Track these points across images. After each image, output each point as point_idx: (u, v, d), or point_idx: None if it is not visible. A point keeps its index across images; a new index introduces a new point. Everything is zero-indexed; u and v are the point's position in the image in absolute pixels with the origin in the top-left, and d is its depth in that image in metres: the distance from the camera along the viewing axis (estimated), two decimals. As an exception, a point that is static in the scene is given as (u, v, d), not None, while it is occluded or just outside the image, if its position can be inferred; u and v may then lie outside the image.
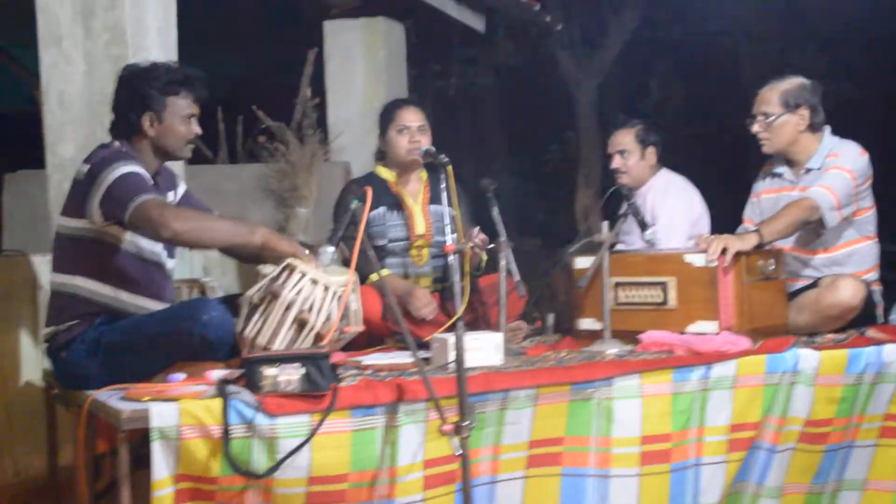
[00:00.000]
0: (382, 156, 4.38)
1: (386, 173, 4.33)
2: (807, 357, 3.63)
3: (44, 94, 4.48)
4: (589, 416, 3.35)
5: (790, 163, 4.23)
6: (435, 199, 4.28)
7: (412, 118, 4.25)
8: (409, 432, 3.08)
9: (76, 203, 3.35)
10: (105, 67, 4.32)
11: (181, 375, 3.19)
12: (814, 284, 4.07)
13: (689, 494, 3.50)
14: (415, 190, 4.32)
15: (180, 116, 3.46)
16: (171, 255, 3.55)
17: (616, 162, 4.76)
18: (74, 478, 3.17)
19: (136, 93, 3.45)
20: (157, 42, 4.52)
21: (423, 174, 4.36)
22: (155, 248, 3.46)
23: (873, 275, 4.16)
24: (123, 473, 2.83)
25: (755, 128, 4.17)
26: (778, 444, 3.59)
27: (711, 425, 3.51)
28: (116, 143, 3.44)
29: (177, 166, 4.91)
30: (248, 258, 3.49)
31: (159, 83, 3.44)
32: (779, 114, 4.11)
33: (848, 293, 3.92)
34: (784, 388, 3.58)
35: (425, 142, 4.21)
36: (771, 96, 4.13)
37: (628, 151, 4.75)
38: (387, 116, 4.32)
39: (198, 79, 3.50)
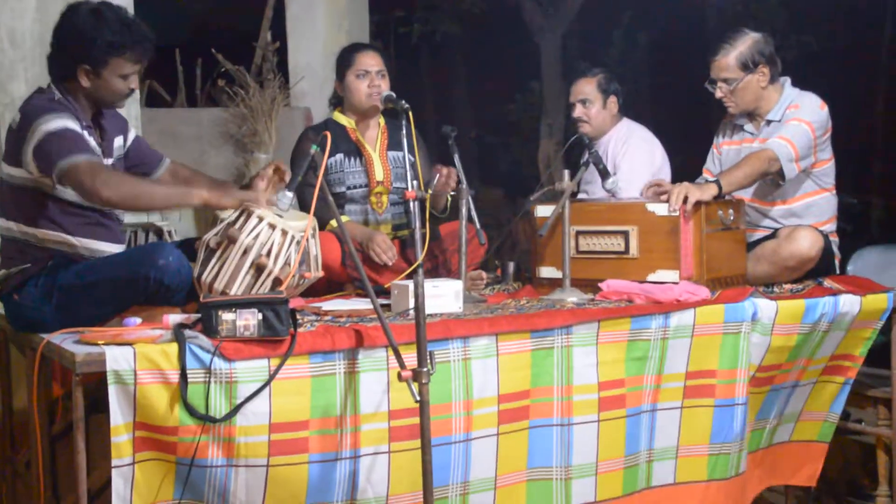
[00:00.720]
0: (339, 101, 4.30)
1: (343, 119, 4.26)
2: (764, 307, 3.67)
3: (-6, 32, 4.38)
4: (551, 366, 3.36)
5: (751, 115, 4.24)
6: (393, 145, 4.23)
7: (371, 62, 4.18)
8: (370, 379, 3.07)
9: (13, 152, 3.28)
10: (57, 4, 4.19)
11: (137, 319, 3.16)
12: (772, 235, 4.10)
13: (644, 439, 3.54)
14: (373, 136, 4.26)
15: (119, 75, 3.33)
16: None
17: (578, 111, 4.73)
18: (29, 422, 3.14)
19: (78, 42, 3.29)
20: (113, -20, 4.41)
21: (381, 120, 4.30)
22: None
23: (831, 226, 4.20)
24: (78, 417, 2.80)
25: (718, 94, 4.17)
26: (737, 398, 3.63)
27: (669, 373, 3.54)
28: (52, 93, 3.31)
29: (133, 109, 4.84)
30: None
31: (103, 40, 3.27)
32: (740, 78, 4.11)
33: (806, 244, 3.95)
34: (742, 337, 3.62)
35: (385, 86, 4.15)
36: (728, 61, 4.11)
37: (590, 100, 4.72)
38: (345, 60, 4.23)
39: (145, 40, 3.34)
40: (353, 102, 4.21)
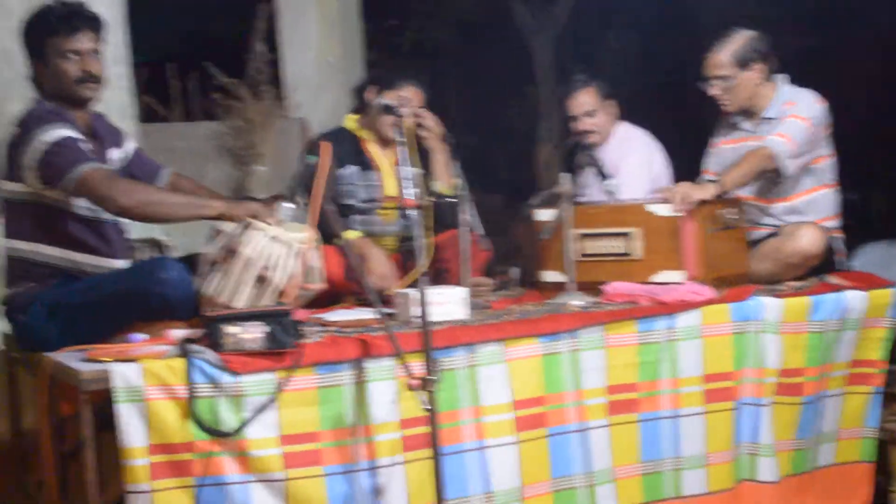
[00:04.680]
0: (363, 109, 4.20)
1: (355, 129, 4.22)
2: (770, 305, 3.66)
3: (-13, 52, 4.37)
4: (562, 371, 3.35)
5: (748, 113, 4.24)
6: (405, 160, 4.20)
7: (412, 97, 4.09)
8: (378, 389, 3.06)
9: (12, 168, 3.27)
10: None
11: (142, 336, 3.15)
12: (775, 233, 4.10)
13: (669, 445, 3.51)
14: (385, 151, 4.23)
15: (61, 55, 3.30)
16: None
17: (585, 124, 4.60)
18: (39, 441, 3.13)
19: (26, 42, 3.36)
20: (103, -4, 4.40)
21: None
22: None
23: (834, 222, 4.19)
24: (88, 435, 2.80)
25: (713, 91, 4.15)
26: (762, 397, 3.63)
27: (686, 376, 3.53)
28: (43, 104, 3.32)
29: (129, 125, 4.83)
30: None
31: (39, 26, 3.32)
32: (735, 75, 4.10)
33: (808, 241, 3.95)
34: (754, 337, 3.62)
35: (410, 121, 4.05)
36: (722, 59, 4.11)
37: (593, 110, 4.65)
38: (390, 83, 4.13)
39: (75, 13, 3.33)
40: (378, 129, 4.13)
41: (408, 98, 4.10)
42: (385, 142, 4.18)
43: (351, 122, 4.24)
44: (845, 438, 3.89)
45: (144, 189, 3.29)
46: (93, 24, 3.36)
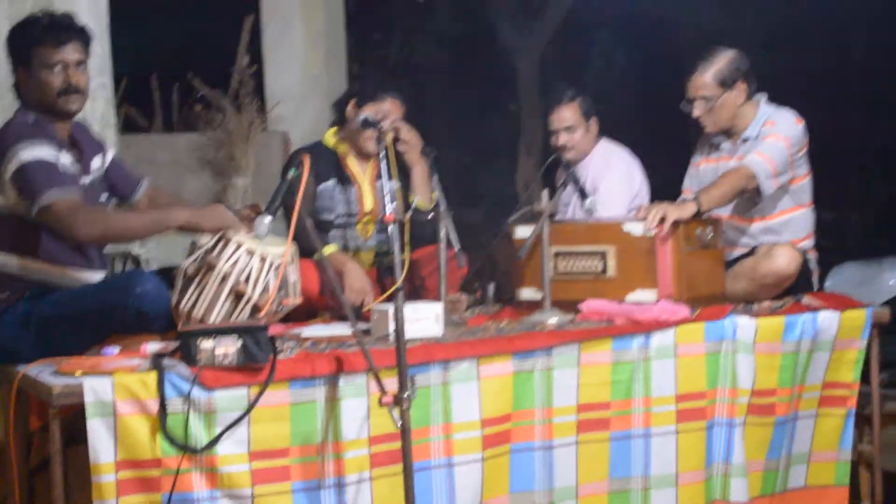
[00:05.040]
0: (342, 122, 4.20)
1: (334, 143, 4.22)
2: (744, 325, 3.67)
3: (-32, 60, 4.34)
4: (532, 389, 3.35)
5: (728, 132, 4.25)
6: (384, 174, 4.19)
7: (392, 109, 4.09)
8: (351, 406, 3.06)
9: None
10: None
11: (115, 349, 3.13)
12: (750, 253, 4.11)
13: (637, 464, 3.51)
14: (363, 164, 4.24)
15: (45, 65, 3.28)
16: None
17: (563, 138, 4.65)
18: (6, 455, 3.10)
19: (10, 50, 3.34)
20: (87, 7, 4.42)
21: None
22: None
23: (809, 242, 4.21)
24: (56, 450, 2.77)
25: (696, 112, 4.15)
26: (735, 418, 3.63)
27: (658, 395, 3.53)
28: (26, 115, 3.30)
29: (109, 135, 4.82)
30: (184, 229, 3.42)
31: (25, 34, 3.30)
32: (718, 95, 4.11)
33: (784, 261, 3.96)
34: (728, 356, 3.63)
35: (389, 138, 4.01)
36: (705, 79, 4.11)
37: (574, 126, 4.68)
38: (369, 95, 4.11)
39: (61, 26, 3.31)
40: (358, 143, 4.14)
41: (387, 110, 4.10)
42: (364, 156, 4.18)
43: (330, 136, 4.24)
44: (818, 461, 3.88)
45: (104, 218, 3.26)
46: (80, 36, 3.35)
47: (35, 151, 3.18)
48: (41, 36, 3.28)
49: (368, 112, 4.03)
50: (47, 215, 3.13)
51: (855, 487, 4.18)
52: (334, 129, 4.24)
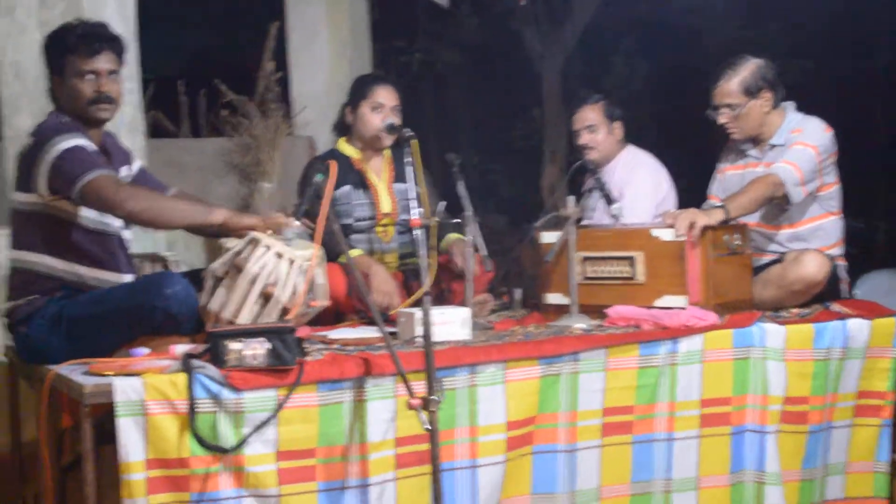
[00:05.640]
0: (345, 129, 4.29)
1: (349, 149, 4.25)
2: (773, 332, 3.65)
3: (-1, 65, 4.40)
4: (558, 392, 3.35)
5: (755, 140, 4.24)
6: (399, 176, 4.22)
7: (388, 97, 4.15)
8: (377, 407, 3.06)
9: (24, 178, 3.28)
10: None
11: (144, 350, 3.15)
12: (779, 260, 4.09)
13: (661, 468, 3.51)
14: (379, 167, 4.26)
15: (78, 74, 3.31)
16: (126, 227, 3.46)
17: (584, 138, 4.70)
18: (38, 453, 3.12)
19: (46, 57, 3.37)
20: (116, 12, 4.46)
21: (387, 152, 4.30)
22: (109, 220, 3.36)
23: (838, 250, 4.19)
24: (87, 448, 2.79)
25: (721, 119, 4.16)
26: (766, 425, 3.62)
27: (683, 400, 3.53)
28: (61, 115, 3.34)
29: (137, 140, 4.86)
30: (211, 234, 3.45)
31: (59, 42, 3.33)
32: (743, 103, 4.11)
33: (813, 268, 3.94)
34: (757, 363, 3.61)
35: (398, 123, 4.13)
36: (731, 87, 4.11)
37: (596, 126, 4.70)
38: (361, 91, 4.20)
39: (94, 35, 3.33)
40: (363, 133, 4.19)
41: (382, 103, 4.13)
42: (377, 150, 4.19)
43: (342, 143, 4.26)
44: (855, 472, 3.84)
45: (151, 194, 3.30)
46: (114, 45, 3.37)
47: (72, 141, 3.22)
48: (75, 45, 3.31)
49: (366, 108, 4.10)
50: (90, 192, 3.14)
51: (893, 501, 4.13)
52: (344, 137, 4.27)
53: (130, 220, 3.25)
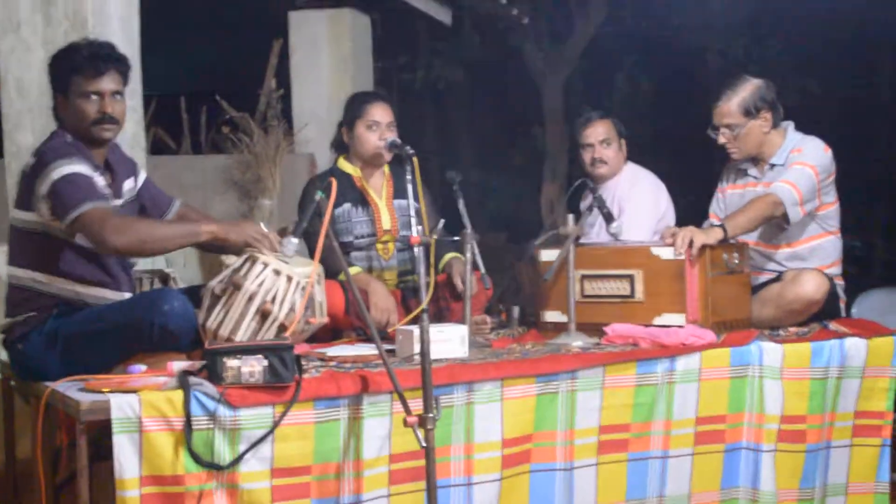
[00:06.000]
0: (343, 148, 4.30)
1: (349, 167, 4.26)
2: (770, 350, 3.65)
3: (2, 82, 4.41)
4: (556, 410, 3.35)
5: (754, 159, 4.25)
6: (399, 193, 4.22)
7: (382, 114, 4.17)
8: (373, 425, 3.06)
9: (25, 196, 3.28)
10: (64, 55, 4.25)
11: (141, 367, 3.15)
12: (777, 278, 4.09)
13: (654, 485, 3.51)
14: (378, 184, 4.27)
15: (82, 94, 3.31)
16: None
17: (598, 152, 4.69)
18: (33, 470, 3.11)
19: (51, 76, 3.38)
20: (119, 30, 4.47)
21: (387, 168, 4.31)
22: None
23: (836, 269, 4.19)
24: (83, 465, 2.79)
25: (721, 140, 4.17)
26: (762, 443, 3.62)
27: (679, 419, 3.53)
28: (64, 135, 3.34)
29: (138, 157, 4.86)
30: (211, 249, 3.45)
31: (65, 62, 3.34)
32: (743, 124, 4.12)
33: (811, 287, 3.94)
34: (754, 381, 3.62)
35: (397, 140, 4.15)
36: (730, 108, 4.12)
37: (609, 140, 4.72)
38: (355, 109, 4.21)
39: (100, 56, 3.34)
40: (361, 152, 4.20)
41: (378, 121, 4.15)
42: (376, 167, 4.21)
43: (342, 161, 4.28)
44: (856, 493, 3.83)
45: (137, 225, 3.28)
46: (119, 66, 3.38)
47: (72, 167, 3.22)
48: (80, 65, 3.32)
49: (362, 128, 4.13)
50: (79, 225, 3.15)
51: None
52: (343, 155, 4.29)
53: (118, 255, 3.27)
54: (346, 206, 4.16)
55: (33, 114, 4.34)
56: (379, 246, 4.18)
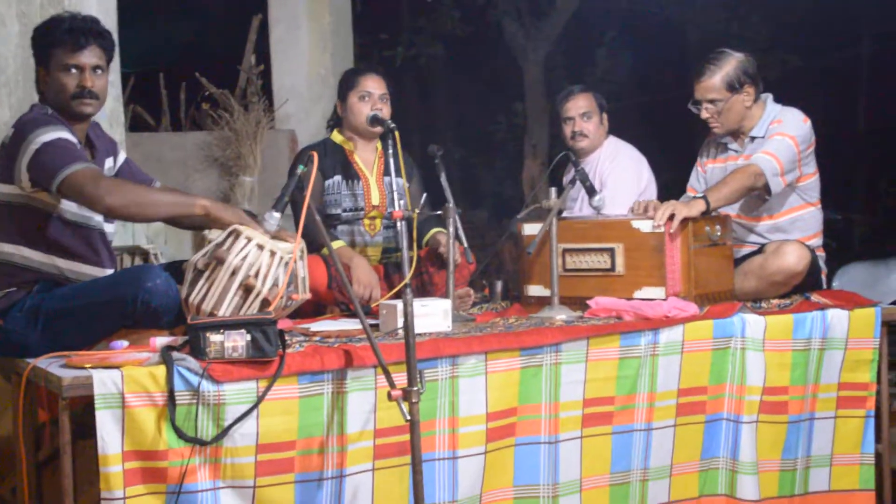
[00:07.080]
0: (338, 121, 4.29)
1: (342, 141, 4.25)
2: (753, 322, 3.67)
3: (-23, 57, 4.35)
4: (540, 384, 3.36)
5: (735, 133, 4.25)
6: (389, 170, 4.21)
7: (374, 85, 4.16)
8: (357, 399, 3.06)
9: (5, 168, 3.25)
10: (41, 29, 4.20)
11: (124, 343, 3.13)
12: (759, 250, 4.11)
13: (638, 458, 3.53)
14: (370, 160, 4.25)
15: (62, 67, 3.28)
16: (108, 220, 3.43)
17: (578, 125, 4.71)
18: (15, 448, 3.10)
19: (33, 48, 3.35)
20: (96, 5, 4.41)
21: (379, 145, 4.29)
22: (90, 213, 3.33)
23: (817, 241, 4.20)
24: (65, 442, 2.78)
25: (704, 114, 4.16)
26: (742, 415, 3.64)
27: (662, 391, 3.54)
28: (44, 108, 3.31)
29: (118, 134, 4.83)
30: (191, 226, 3.43)
31: (46, 35, 3.31)
32: (726, 98, 4.11)
33: (793, 258, 3.95)
34: (736, 353, 3.63)
35: (386, 111, 4.13)
36: (714, 83, 4.11)
37: (590, 114, 4.73)
38: (348, 81, 4.22)
39: (81, 30, 3.30)
40: (354, 124, 4.19)
41: (370, 92, 4.14)
42: (368, 140, 4.19)
43: (337, 134, 4.27)
44: (841, 464, 3.86)
45: (132, 188, 3.27)
46: (101, 41, 3.35)
47: (55, 134, 3.19)
48: (61, 38, 3.29)
49: (354, 98, 4.12)
50: (68, 185, 3.11)
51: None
52: (336, 129, 4.28)
53: (110, 214, 3.24)
54: (337, 178, 4.15)
55: (9, 88, 4.29)
56: (366, 221, 4.18)
